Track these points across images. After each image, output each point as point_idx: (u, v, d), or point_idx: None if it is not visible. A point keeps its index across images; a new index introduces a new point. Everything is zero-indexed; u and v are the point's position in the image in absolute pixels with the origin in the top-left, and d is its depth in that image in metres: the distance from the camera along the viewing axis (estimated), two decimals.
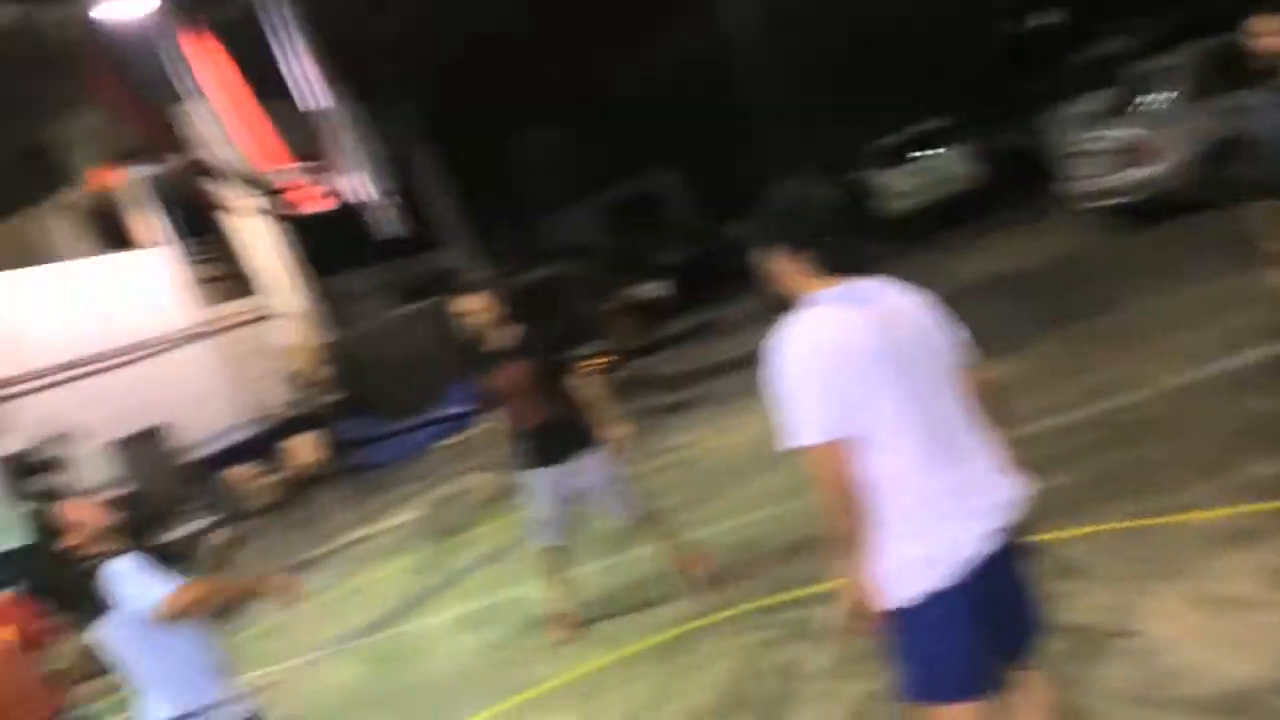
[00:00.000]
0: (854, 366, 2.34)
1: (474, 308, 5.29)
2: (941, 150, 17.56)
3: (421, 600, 7.74)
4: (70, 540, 3.62)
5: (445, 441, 16.01)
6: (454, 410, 16.19)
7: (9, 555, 13.21)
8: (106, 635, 3.51)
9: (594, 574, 6.17)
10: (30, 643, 4.86)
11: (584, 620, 5.63)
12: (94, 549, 3.57)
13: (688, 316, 18.67)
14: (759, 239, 2.55)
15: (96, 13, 16.34)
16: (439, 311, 17.71)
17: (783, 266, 2.52)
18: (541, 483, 5.42)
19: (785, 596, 4.95)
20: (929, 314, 2.52)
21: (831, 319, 2.40)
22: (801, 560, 5.17)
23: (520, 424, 5.39)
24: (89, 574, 3.48)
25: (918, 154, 17.88)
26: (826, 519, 2.39)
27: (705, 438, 9.21)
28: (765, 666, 4.40)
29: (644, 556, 5.92)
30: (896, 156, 18.07)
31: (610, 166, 27.84)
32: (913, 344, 2.41)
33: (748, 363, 11.06)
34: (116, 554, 3.50)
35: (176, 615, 3.36)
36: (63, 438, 14.45)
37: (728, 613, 5.08)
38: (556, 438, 5.31)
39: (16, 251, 18.43)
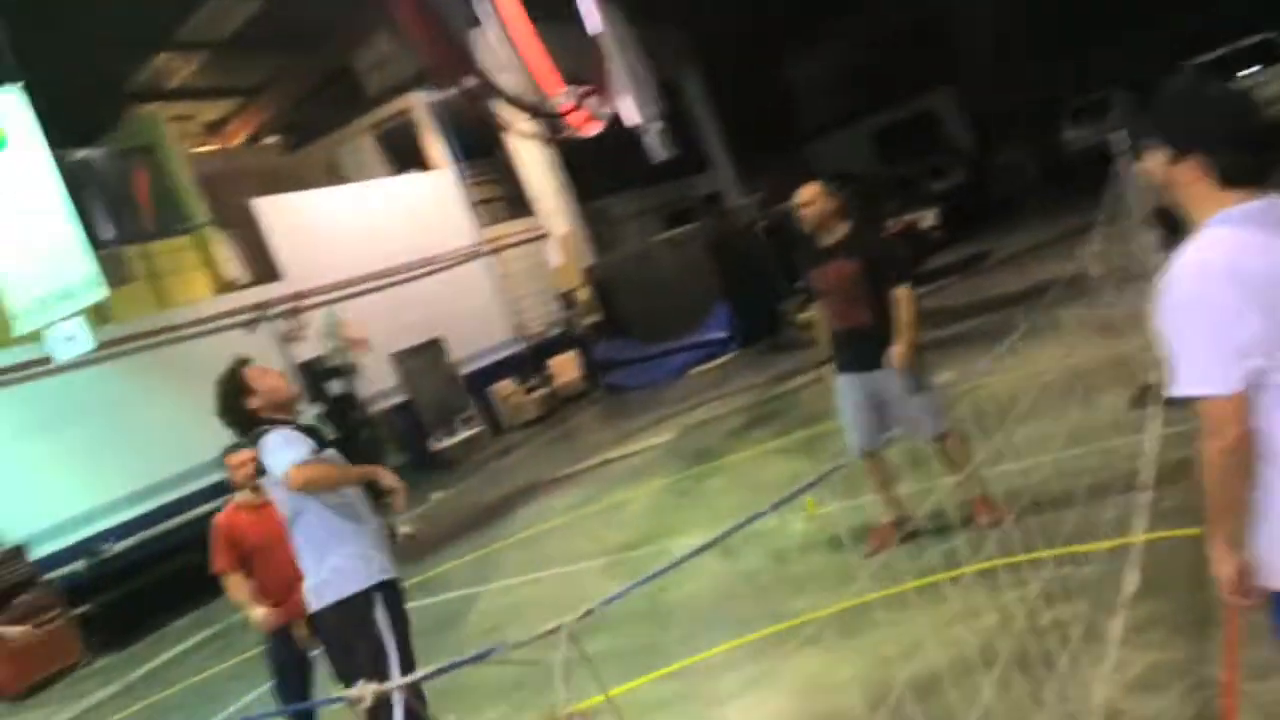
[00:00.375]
0: (1261, 302, 1.89)
1: (808, 199, 5.31)
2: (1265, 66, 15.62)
3: (675, 522, 7.75)
4: (251, 404, 4.00)
5: (702, 367, 16.03)
6: (712, 336, 16.17)
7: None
8: (275, 500, 3.96)
9: (870, 504, 5.89)
10: None
11: (903, 536, 5.35)
12: (266, 415, 3.97)
13: (958, 248, 17.70)
14: (1151, 136, 2.08)
15: None
16: (702, 236, 17.75)
17: (1179, 174, 2.04)
18: (847, 388, 5.40)
19: (1068, 550, 4.51)
20: None
21: (1237, 242, 1.93)
22: (1086, 512, 4.70)
23: (836, 324, 5.41)
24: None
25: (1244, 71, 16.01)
26: (1212, 479, 2.01)
27: (979, 376, 8.65)
28: (1044, 623, 4.02)
29: (926, 488, 5.58)
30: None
31: (881, 91, 26.71)
32: None
33: (1023, 298, 10.34)
34: (274, 426, 3.88)
35: (299, 486, 3.72)
36: (352, 346, 15.53)
37: (1007, 560, 4.69)
38: (867, 343, 5.24)
39: (319, 172, 19.92)
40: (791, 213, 5.62)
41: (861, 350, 5.30)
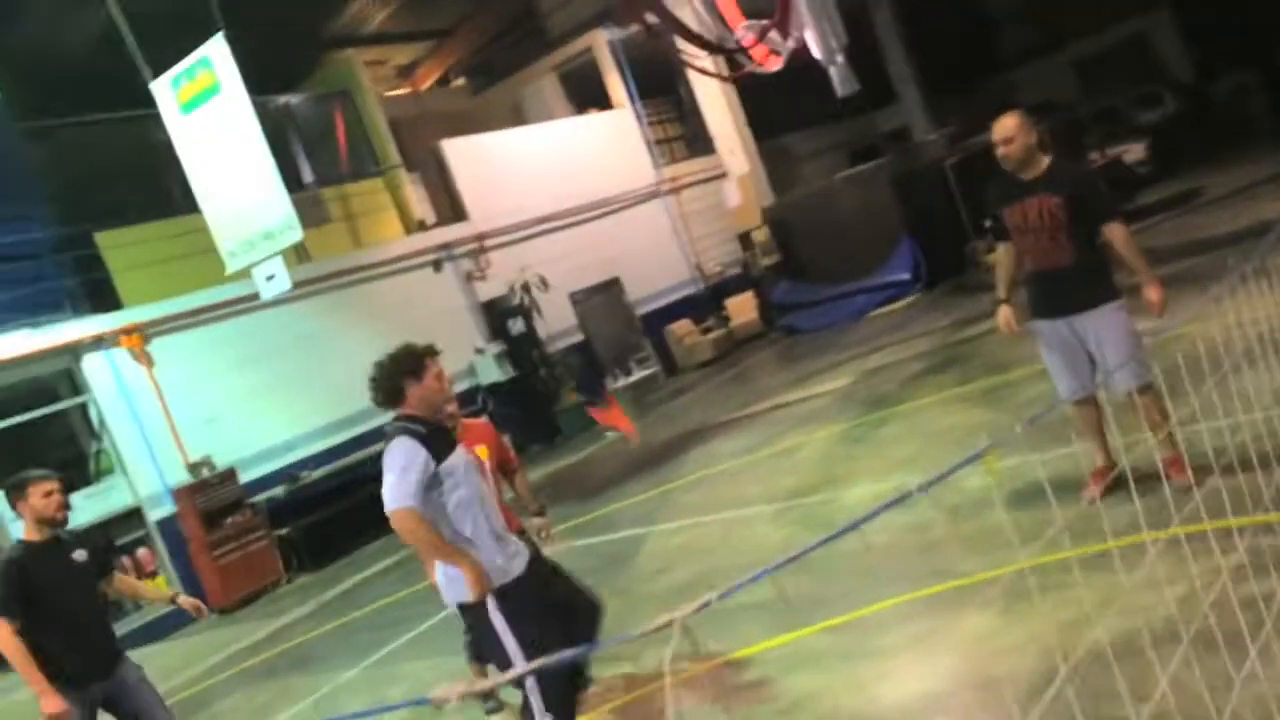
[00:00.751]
0: None
1: (1009, 131, 5.01)
2: None
3: (847, 471, 7.58)
4: (409, 387, 4.00)
5: (883, 309, 15.58)
6: (894, 277, 15.67)
7: (493, 388, 14.96)
8: None
9: (1054, 459, 5.59)
10: (501, 465, 5.30)
11: (1114, 485, 5.04)
12: (411, 408, 4.02)
13: (1168, 184, 16.47)
14: None
15: None
16: (886, 173, 17.14)
17: None
18: (1045, 334, 5.16)
19: (1269, 519, 4.14)
20: None
21: None
22: None
23: (1033, 265, 5.13)
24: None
25: None
26: None
27: (1185, 324, 8.05)
28: (1236, 597, 3.70)
29: (1118, 443, 5.25)
30: None
31: (1086, 14, 24.84)
32: None
33: (1237, 240, 9.51)
34: (409, 424, 3.90)
35: (396, 528, 3.81)
36: (534, 286, 15.86)
37: (1199, 526, 4.35)
38: (1069, 284, 4.98)
39: (503, 113, 20.30)
40: (986, 147, 5.30)
41: (1064, 292, 5.01)
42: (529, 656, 3.85)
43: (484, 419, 5.64)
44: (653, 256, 18.71)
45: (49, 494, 4.70)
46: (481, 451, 5.11)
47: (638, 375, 17.19)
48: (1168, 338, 7.08)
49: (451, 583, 3.96)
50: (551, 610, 4.05)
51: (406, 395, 3.97)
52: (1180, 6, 24.42)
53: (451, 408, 4.87)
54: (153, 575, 11.60)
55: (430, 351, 4.05)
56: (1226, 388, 5.82)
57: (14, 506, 4.75)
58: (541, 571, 4.18)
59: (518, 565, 4.01)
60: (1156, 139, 17.99)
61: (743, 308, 18.53)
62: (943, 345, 11.07)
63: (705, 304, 19.04)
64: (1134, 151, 17.25)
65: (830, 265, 16.74)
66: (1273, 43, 20.16)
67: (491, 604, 3.88)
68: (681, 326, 18.14)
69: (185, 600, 5.20)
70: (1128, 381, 4.92)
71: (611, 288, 17.95)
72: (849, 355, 12.70)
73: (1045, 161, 5.07)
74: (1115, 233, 4.95)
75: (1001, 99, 23.98)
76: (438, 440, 3.91)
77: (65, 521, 4.84)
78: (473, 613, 3.97)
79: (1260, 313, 6.49)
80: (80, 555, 4.82)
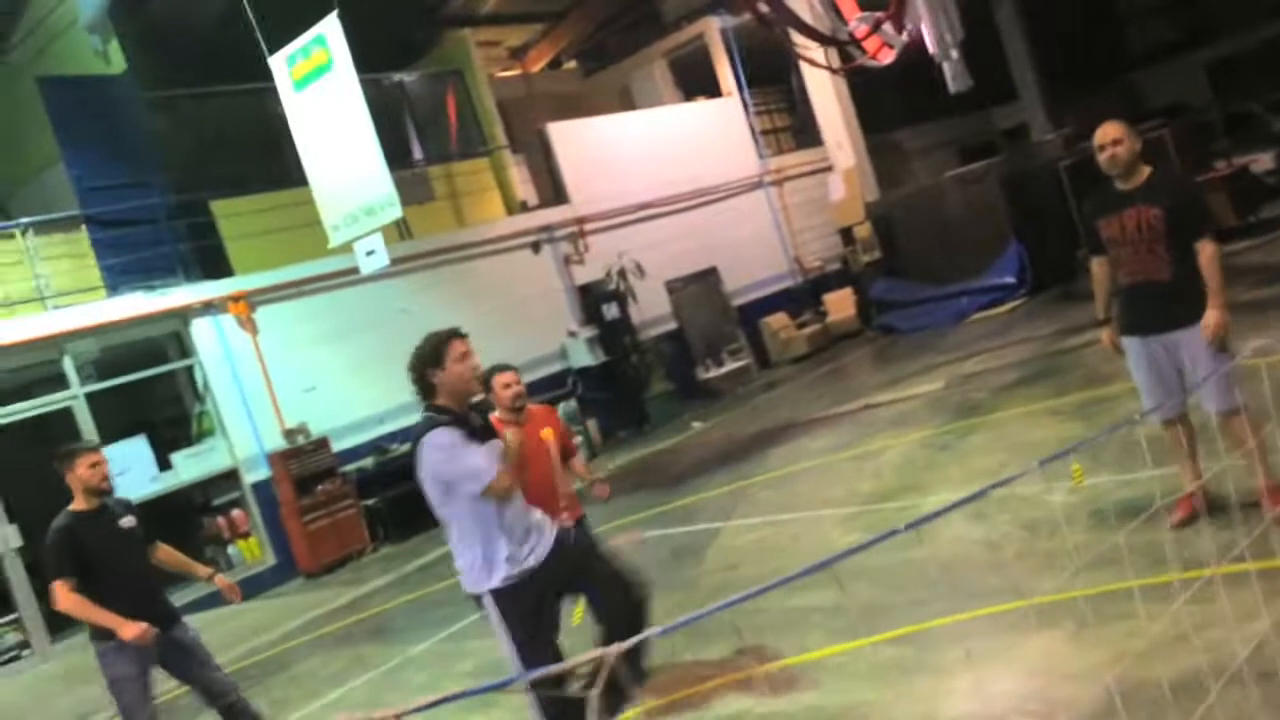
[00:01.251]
0: None
1: (1110, 138, 4.85)
2: None
3: (928, 479, 7.40)
4: (435, 378, 4.02)
5: (984, 313, 15.18)
6: (997, 281, 15.25)
7: (583, 372, 15.05)
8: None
9: (1145, 480, 5.36)
10: (565, 450, 5.34)
11: (1201, 513, 4.77)
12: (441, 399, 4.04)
13: None
14: None
15: None
16: (996, 172, 16.64)
17: None
18: (1142, 350, 4.97)
19: None
20: None
21: None
22: None
23: (1128, 279, 4.95)
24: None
25: None
26: None
27: None
28: None
29: (1210, 469, 5.01)
30: None
31: (1222, 14, 23.68)
32: None
33: None
34: (439, 415, 3.96)
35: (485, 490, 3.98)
36: (630, 272, 15.86)
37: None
38: (1165, 300, 4.81)
39: (612, 97, 20.34)
40: (1092, 153, 5.11)
41: (1159, 308, 4.83)
42: (521, 657, 3.88)
43: (545, 406, 5.67)
44: (752, 247, 18.55)
45: (94, 465, 5.02)
46: (548, 433, 5.17)
47: (730, 366, 17.09)
48: (1258, 362, 6.73)
49: (465, 572, 4.05)
50: (552, 612, 4.11)
51: (435, 387, 4.01)
52: None
53: (512, 391, 4.92)
54: (245, 536, 12.00)
55: (454, 334, 4.04)
56: None
57: (63, 477, 5.04)
58: (570, 558, 4.16)
59: (532, 558, 4.01)
60: None
61: (841, 304, 18.26)
62: (1042, 354, 10.72)
63: (803, 298, 18.81)
64: (1262, 161, 16.39)
65: (933, 265, 16.36)
66: None
67: (490, 604, 3.91)
68: (777, 319, 17.95)
69: (221, 580, 5.39)
70: (1217, 406, 4.69)
71: (708, 277, 17.86)
72: (945, 359, 12.40)
73: (1145, 171, 4.90)
74: (1205, 250, 4.74)
75: (1128, 99, 23.25)
76: (463, 428, 3.95)
77: (111, 491, 5.15)
78: (477, 606, 4.10)
79: None
80: (129, 522, 5.10)
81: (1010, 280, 15.26)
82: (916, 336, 15.33)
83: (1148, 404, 5.03)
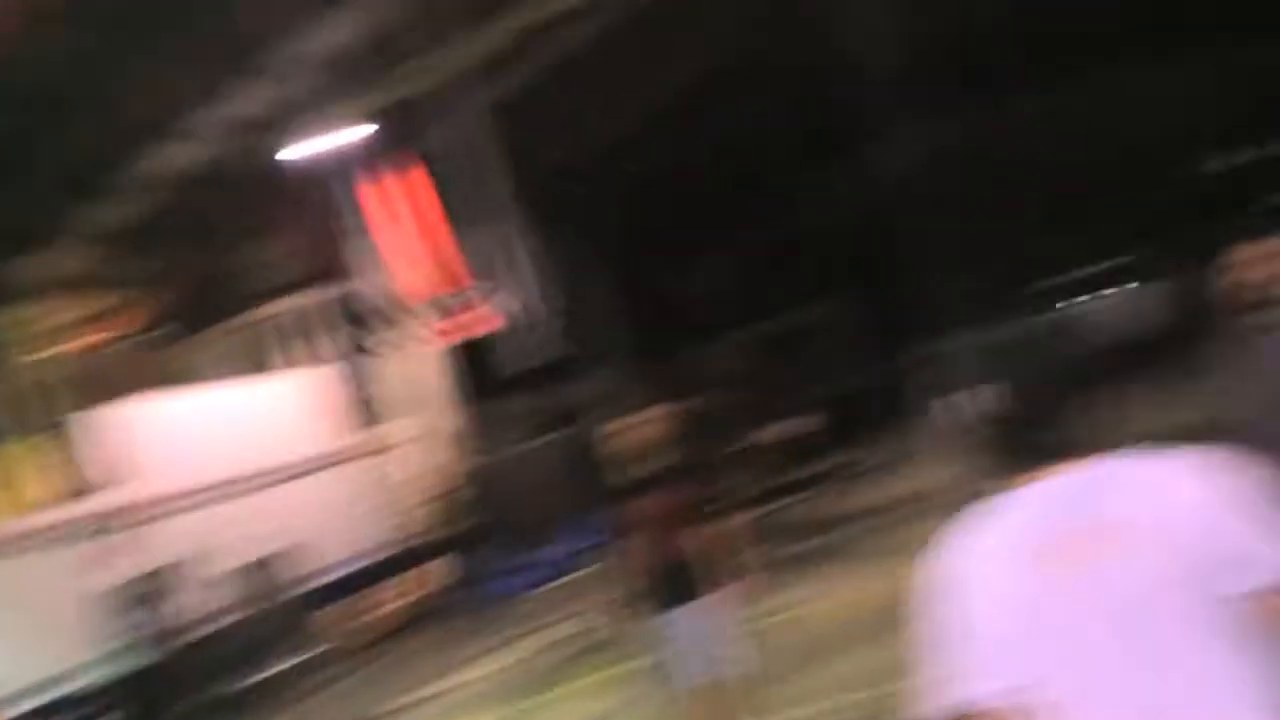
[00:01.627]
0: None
1: (640, 427, 5.06)
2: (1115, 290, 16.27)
3: None
4: None
5: (555, 582, 15.30)
6: (567, 549, 15.52)
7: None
8: None
9: None
10: None
11: None
12: None
13: (834, 455, 17.53)
14: None
15: (284, 152, 16.66)
16: (576, 441, 17.27)
17: None
18: (672, 623, 5.08)
19: None
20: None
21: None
22: None
23: (650, 560, 5.07)
24: None
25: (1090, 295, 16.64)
26: None
27: (818, 597, 8.18)
28: None
29: None
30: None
31: (778, 297, 27.11)
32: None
33: (884, 511, 10.06)
34: None
35: None
36: (177, 565, 14.31)
37: None
38: (674, 579, 5.00)
39: (176, 373, 19.21)
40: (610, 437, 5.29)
41: (669, 585, 5.02)
42: None
43: None
44: (326, 528, 17.54)
45: None
46: None
47: (291, 661, 15.58)
48: (789, 615, 7.10)
49: None
50: None
51: None
52: (853, 300, 27.01)
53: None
54: None
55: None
56: (840, 664, 5.77)
57: None
58: None
59: None
60: (826, 414, 19.30)
61: (419, 580, 17.64)
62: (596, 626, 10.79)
63: (375, 578, 17.86)
64: (803, 424, 18.38)
65: (524, 532, 16.41)
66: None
67: None
68: (339, 608, 16.80)
69: None
70: (699, 676, 4.83)
71: (271, 563, 16.48)
72: (518, 632, 12.15)
73: (669, 457, 5.14)
74: (717, 530, 5.07)
75: (696, 369, 25.50)
76: None
77: None
78: None
79: (875, 588, 6.62)
80: None
81: (578, 547, 15.53)
82: (496, 607, 15.07)
83: (680, 674, 5.11)
